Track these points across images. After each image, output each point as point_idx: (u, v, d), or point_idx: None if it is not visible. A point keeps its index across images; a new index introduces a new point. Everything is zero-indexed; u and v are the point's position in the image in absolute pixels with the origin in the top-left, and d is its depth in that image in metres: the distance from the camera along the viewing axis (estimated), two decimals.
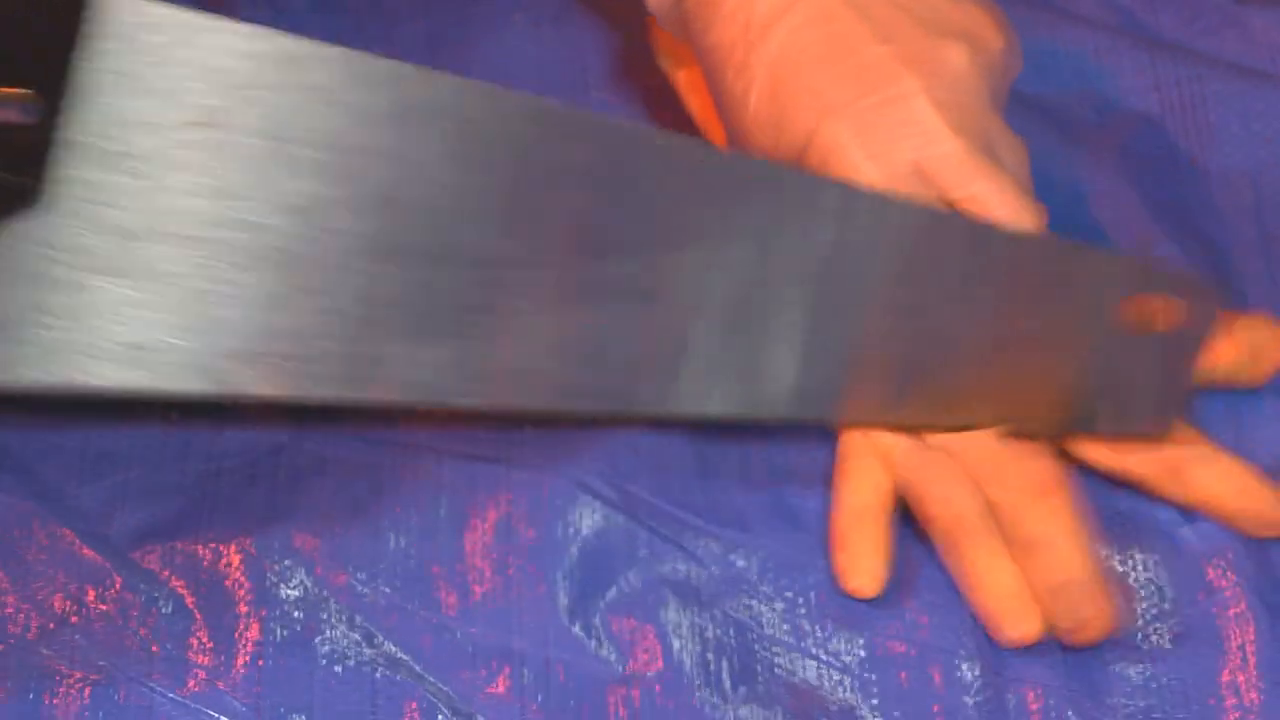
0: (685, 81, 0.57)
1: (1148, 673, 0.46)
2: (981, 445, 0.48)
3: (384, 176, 0.41)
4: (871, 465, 0.49)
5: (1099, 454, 0.49)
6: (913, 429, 0.49)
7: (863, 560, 0.47)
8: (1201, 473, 0.48)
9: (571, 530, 0.48)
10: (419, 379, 0.43)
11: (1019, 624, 0.46)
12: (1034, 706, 0.46)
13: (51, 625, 0.46)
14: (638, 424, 0.50)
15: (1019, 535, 0.47)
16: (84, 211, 0.40)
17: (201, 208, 0.40)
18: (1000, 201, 0.47)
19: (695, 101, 0.56)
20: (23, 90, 0.38)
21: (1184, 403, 0.49)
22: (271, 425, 0.51)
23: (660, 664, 0.46)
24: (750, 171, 0.45)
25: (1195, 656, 0.46)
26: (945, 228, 0.46)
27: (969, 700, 0.46)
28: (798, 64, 0.48)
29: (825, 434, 0.50)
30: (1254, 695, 0.46)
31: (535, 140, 0.42)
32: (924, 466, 0.48)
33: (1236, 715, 0.46)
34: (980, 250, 0.46)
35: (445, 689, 0.46)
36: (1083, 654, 0.47)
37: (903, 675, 0.46)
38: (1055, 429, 0.49)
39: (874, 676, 0.46)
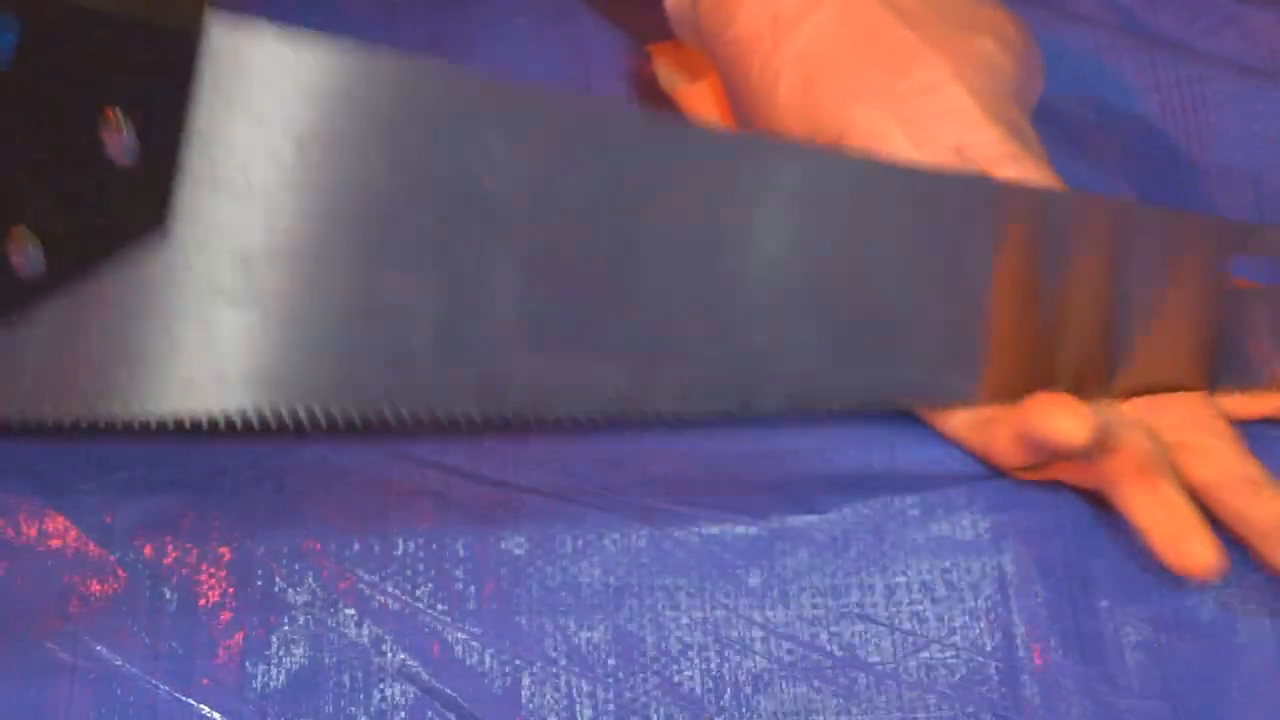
0: (692, 96, 0.57)
1: (1164, 656, 0.46)
2: (1189, 402, 0.49)
3: (479, 188, 0.42)
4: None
5: (1240, 405, 0.50)
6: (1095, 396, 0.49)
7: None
8: None
9: (580, 539, 0.48)
10: (543, 392, 0.43)
11: (1211, 548, 0.45)
12: (1048, 692, 0.46)
13: (54, 620, 0.46)
14: (646, 427, 0.50)
15: (1241, 475, 0.47)
16: (204, 240, 0.40)
17: (310, 228, 0.41)
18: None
19: (701, 116, 0.57)
20: (127, 128, 0.39)
21: None
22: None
23: (668, 674, 0.46)
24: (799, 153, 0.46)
25: (1211, 639, 0.46)
26: (1040, 202, 0.47)
27: (984, 685, 0.46)
28: (829, 54, 0.48)
29: (833, 420, 0.50)
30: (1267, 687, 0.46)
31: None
32: (1104, 415, 0.48)
33: (1267, 701, 0.46)
34: (1085, 221, 0.47)
35: (453, 696, 0.46)
36: (1096, 634, 0.47)
37: (923, 659, 0.46)
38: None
39: (890, 661, 0.46)
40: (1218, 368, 0.49)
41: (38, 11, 0.38)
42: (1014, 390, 0.48)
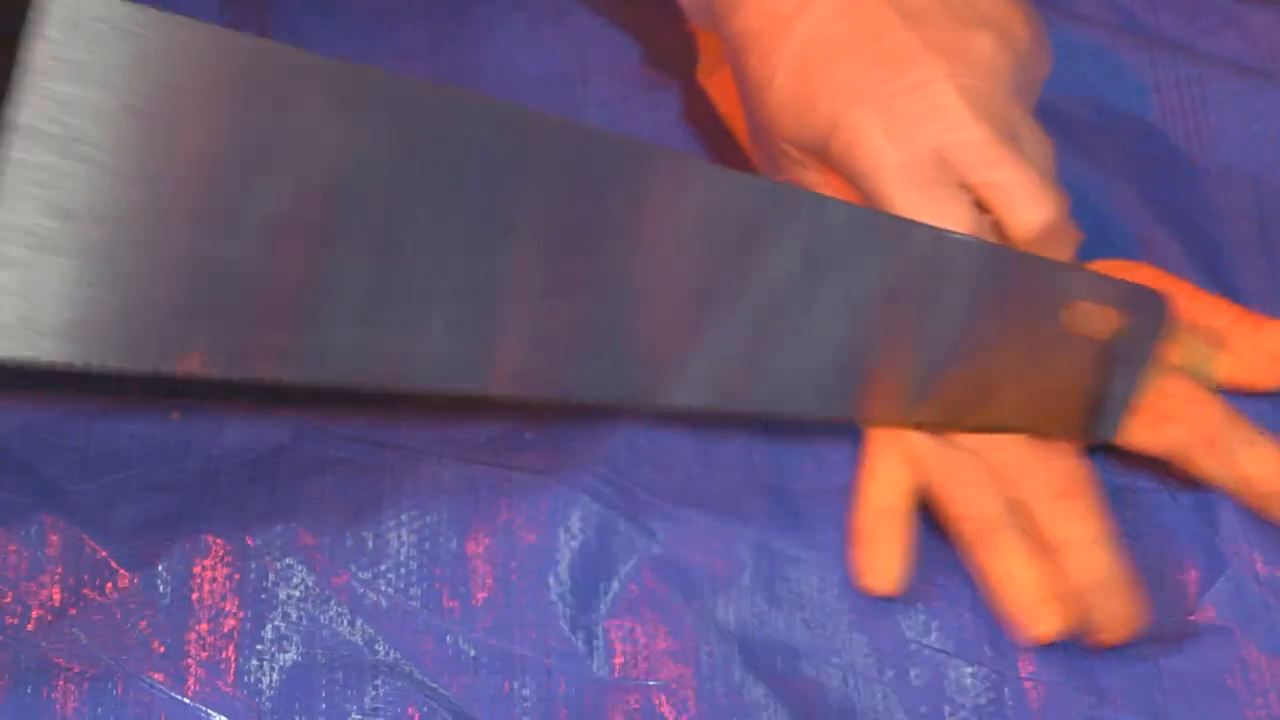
0: (717, 85, 0.57)
1: (1151, 669, 0.46)
2: (1009, 445, 0.48)
3: (323, 167, 0.42)
4: (895, 464, 0.49)
5: (1138, 438, 0.49)
6: (938, 429, 0.49)
7: (882, 559, 0.48)
8: (1246, 454, 0.48)
9: (573, 535, 0.48)
10: (360, 365, 0.44)
11: (1041, 622, 0.46)
12: (1036, 705, 0.46)
13: (50, 618, 0.46)
14: (640, 421, 0.50)
15: (1045, 536, 0.47)
16: (30, 193, 0.40)
17: (139, 193, 0.41)
18: (1020, 189, 0.47)
19: (725, 106, 0.57)
20: None
21: (1128, 409, 0.49)
22: (272, 425, 0.51)
23: (661, 670, 0.46)
24: (727, 182, 0.46)
25: (1198, 651, 0.46)
26: (910, 238, 0.47)
27: (971, 699, 0.46)
28: (825, 50, 0.48)
29: (829, 428, 0.50)
30: (1262, 699, 0.46)
31: (487, 139, 0.43)
32: (949, 465, 0.48)
33: (1250, 714, 0.45)
34: (945, 260, 0.47)
35: (446, 693, 0.46)
36: (1086, 651, 0.47)
37: (911, 673, 0.46)
38: (1072, 433, 0.49)
39: (878, 674, 0.46)
40: (1092, 417, 0.49)
41: None
42: (891, 413, 0.48)
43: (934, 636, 0.47)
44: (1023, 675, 0.46)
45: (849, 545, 0.48)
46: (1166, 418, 0.48)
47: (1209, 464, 0.48)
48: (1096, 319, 0.48)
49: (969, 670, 0.46)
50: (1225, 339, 0.50)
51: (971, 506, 0.47)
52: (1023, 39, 0.49)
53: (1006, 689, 0.46)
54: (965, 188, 0.47)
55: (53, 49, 0.40)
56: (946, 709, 0.46)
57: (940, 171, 0.47)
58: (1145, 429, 0.49)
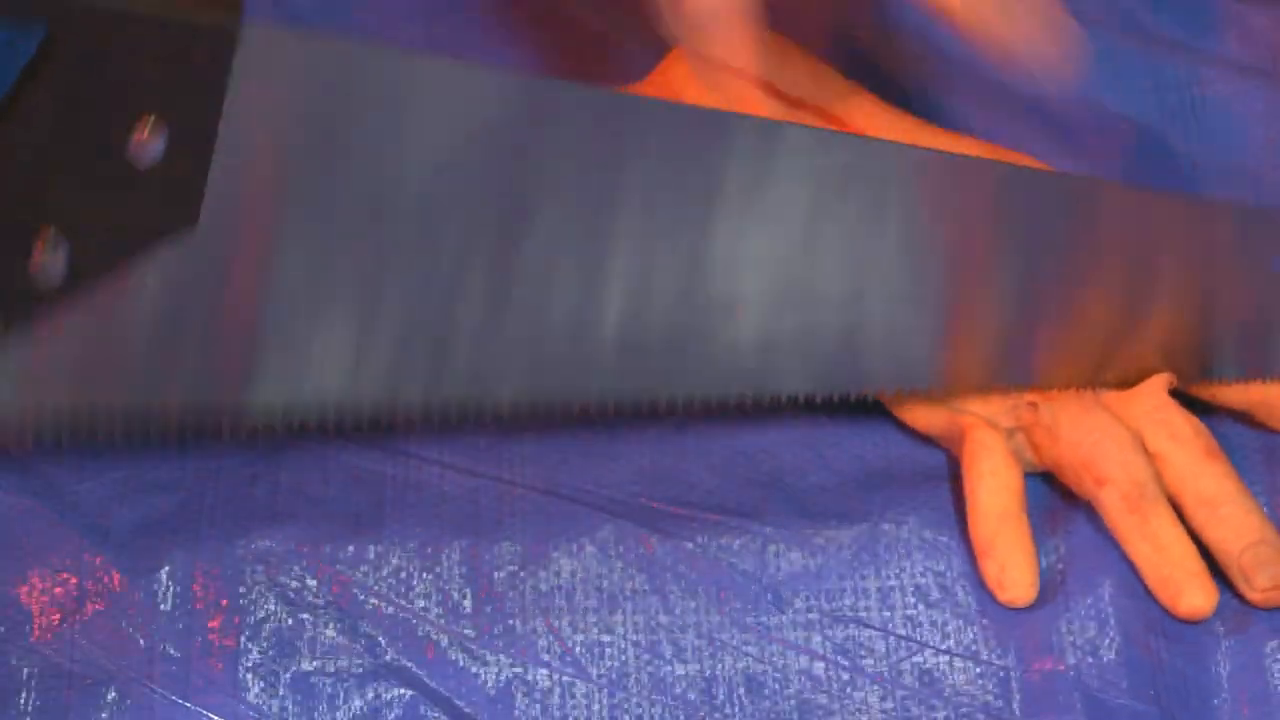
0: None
1: (1156, 659, 0.46)
2: (1150, 399, 0.48)
3: (518, 186, 0.42)
4: (1002, 464, 0.47)
5: (1230, 393, 0.49)
6: (1063, 388, 0.48)
7: (1014, 570, 0.47)
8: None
9: (574, 545, 0.48)
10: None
11: (1202, 592, 0.46)
12: (1036, 691, 0.46)
13: (51, 624, 0.46)
14: (640, 427, 0.50)
15: (1197, 492, 0.46)
16: (234, 236, 0.41)
17: (336, 227, 0.42)
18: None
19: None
20: (158, 121, 0.39)
21: None
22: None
23: (666, 676, 0.46)
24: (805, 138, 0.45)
25: (1200, 648, 0.46)
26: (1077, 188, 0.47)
27: (977, 692, 0.46)
28: None
29: (826, 423, 0.50)
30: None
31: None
32: (1096, 429, 0.47)
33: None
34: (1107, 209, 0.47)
35: (447, 696, 0.46)
36: (1090, 636, 0.47)
37: (907, 667, 0.46)
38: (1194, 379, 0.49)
39: (881, 666, 0.46)
40: (1213, 356, 0.49)
41: (64, 14, 0.37)
42: (979, 380, 0.48)
43: (939, 626, 0.47)
44: (1029, 663, 0.46)
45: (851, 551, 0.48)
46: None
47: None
48: None
49: (974, 658, 0.46)
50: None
51: (1127, 470, 0.46)
52: None
53: (1013, 677, 0.46)
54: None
55: (253, 91, 0.39)
56: (952, 698, 0.46)
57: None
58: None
